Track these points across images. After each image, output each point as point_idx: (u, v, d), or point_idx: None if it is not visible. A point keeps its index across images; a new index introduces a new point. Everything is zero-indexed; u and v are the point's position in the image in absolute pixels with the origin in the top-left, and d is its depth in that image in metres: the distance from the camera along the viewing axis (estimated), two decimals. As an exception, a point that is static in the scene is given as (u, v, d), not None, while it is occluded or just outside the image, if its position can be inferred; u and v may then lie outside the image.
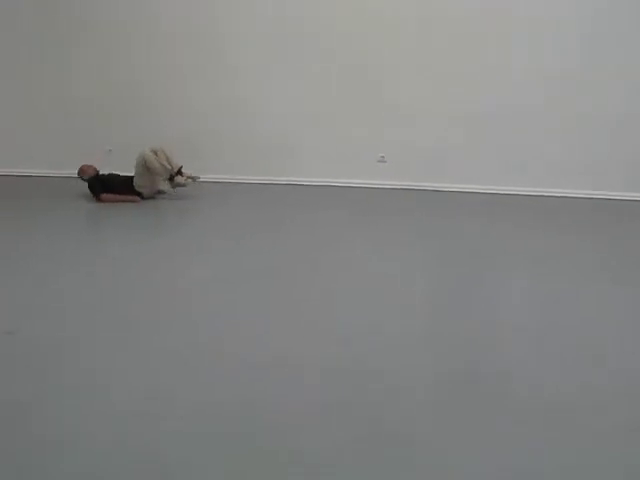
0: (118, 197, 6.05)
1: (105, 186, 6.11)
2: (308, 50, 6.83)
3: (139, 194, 6.13)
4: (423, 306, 3.41)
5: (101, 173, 6.30)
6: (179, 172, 6.14)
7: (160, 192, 6.27)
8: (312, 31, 6.76)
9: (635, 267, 4.19)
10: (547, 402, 2.39)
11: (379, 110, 6.77)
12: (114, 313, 3.26)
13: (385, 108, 6.74)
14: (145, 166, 6.00)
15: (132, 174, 6.13)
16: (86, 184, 6.19)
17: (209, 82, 7.10)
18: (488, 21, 6.40)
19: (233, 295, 3.52)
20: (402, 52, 6.63)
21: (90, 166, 6.33)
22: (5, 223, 5.26)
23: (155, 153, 6.06)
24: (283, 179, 7.04)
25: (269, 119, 7.00)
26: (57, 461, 2.00)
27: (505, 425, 2.24)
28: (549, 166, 6.52)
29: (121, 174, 6.25)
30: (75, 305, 3.36)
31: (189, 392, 2.43)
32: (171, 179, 6.14)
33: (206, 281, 3.79)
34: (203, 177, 7.11)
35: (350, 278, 3.86)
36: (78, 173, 6.33)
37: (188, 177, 6.16)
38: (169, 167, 6.06)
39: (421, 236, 4.91)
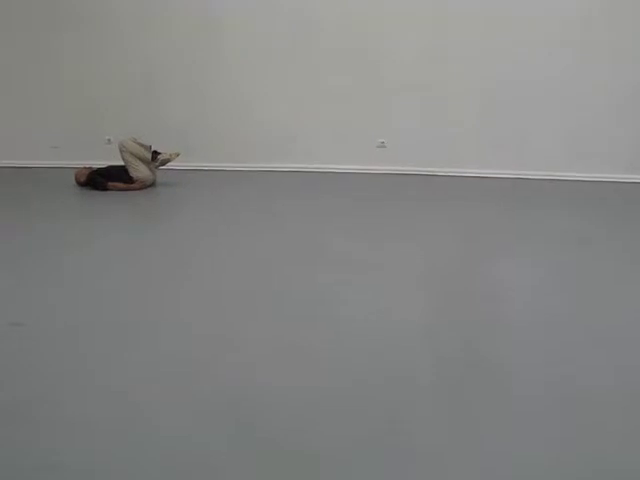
0: (123, 186, 6.10)
1: (106, 177, 6.16)
2: (307, 36, 6.74)
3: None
4: (430, 299, 3.38)
5: (97, 167, 6.32)
6: (155, 152, 6.26)
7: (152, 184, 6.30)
8: (312, 17, 6.67)
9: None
10: (548, 402, 2.38)
11: (379, 95, 6.69)
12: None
13: (385, 92, 6.67)
14: (130, 154, 6.07)
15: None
16: (86, 188, 6.19)
17: (208, 71, 7.04)
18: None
19: (234, 288, 3.51)
20: (403, 36, 6.52)
21: (82, 169, 6.35)
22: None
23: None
24: (284, 166, 6.94)
25: (268, 107, 6.93)
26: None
27: (505, 425, 2.23)
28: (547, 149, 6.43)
29: (117, 164, 6.24)
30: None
31: (188, 389, 2.42)
32: (154, 159, 6.22)
33: (211, 271, 3.80)
34: (202, 165, 7.08)
35: (350, 270, 3.78)
36: (75, 180, 6.30)
37: (170, 154, 6.29)
38: (147, 145, 6.20)
39: (422, 223, 4.92)
